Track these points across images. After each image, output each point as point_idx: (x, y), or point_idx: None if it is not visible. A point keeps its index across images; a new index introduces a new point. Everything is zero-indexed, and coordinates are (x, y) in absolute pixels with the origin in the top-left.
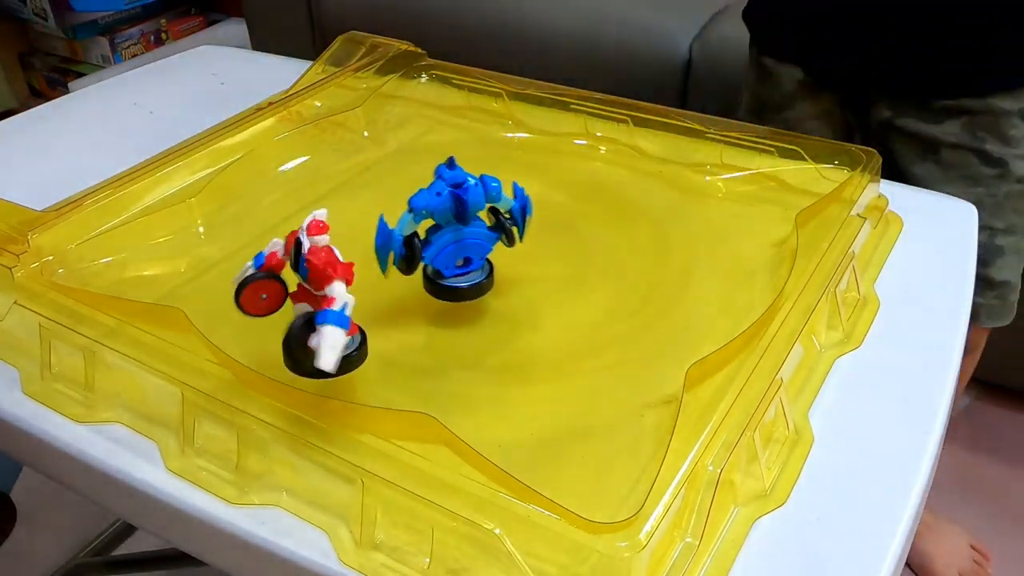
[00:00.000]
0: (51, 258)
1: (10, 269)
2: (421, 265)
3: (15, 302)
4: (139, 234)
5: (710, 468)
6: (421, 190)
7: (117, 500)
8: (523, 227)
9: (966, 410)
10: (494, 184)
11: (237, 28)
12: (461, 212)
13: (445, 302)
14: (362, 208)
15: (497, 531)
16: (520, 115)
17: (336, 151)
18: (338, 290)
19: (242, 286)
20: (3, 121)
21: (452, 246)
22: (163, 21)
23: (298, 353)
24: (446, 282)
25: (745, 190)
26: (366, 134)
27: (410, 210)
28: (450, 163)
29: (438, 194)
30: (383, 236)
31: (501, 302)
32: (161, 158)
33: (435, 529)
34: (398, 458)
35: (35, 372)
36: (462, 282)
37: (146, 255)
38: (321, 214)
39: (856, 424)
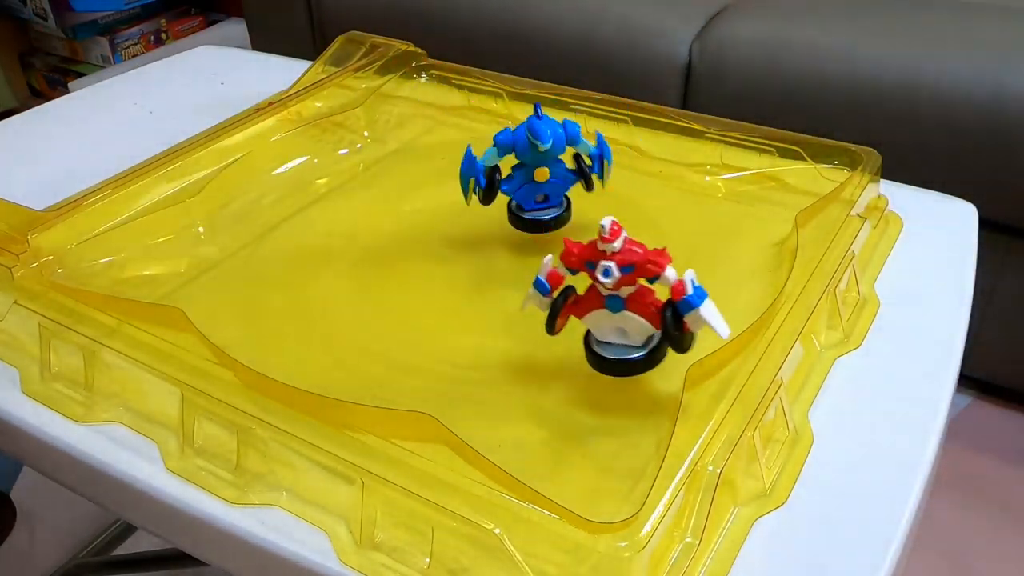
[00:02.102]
0: (51, 258)
1: (10, 269)
2: (505, 200)
3: (15, 302)
4: (139, 234)
5: (710, 468)
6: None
7: (117, 500)
8: (602, 173)
9: (966, 410)
10: (574, 126)
11: (237, 28)
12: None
13: (528, 233)
14: (362, 208)
15: (497, 531)
16: (520, 115)
17: (336, 151)
18: (673, 273)
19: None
20: (3, 121)
21: (531, 183)
22: (163, 21)
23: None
24: (527, 215)
25: (745, 190)
26: (366, 134)
27: (494, 144)
28: (536, 111)
29: (515, 131)
30: (467, 163)
31: (501, 301)
32: (161, 158)
33: (435, 529)
34: (398, 458)
35: (35, 372)
36: (543, 215)
37: (146, 255)
38: (609, 220)
39: (856, 424)
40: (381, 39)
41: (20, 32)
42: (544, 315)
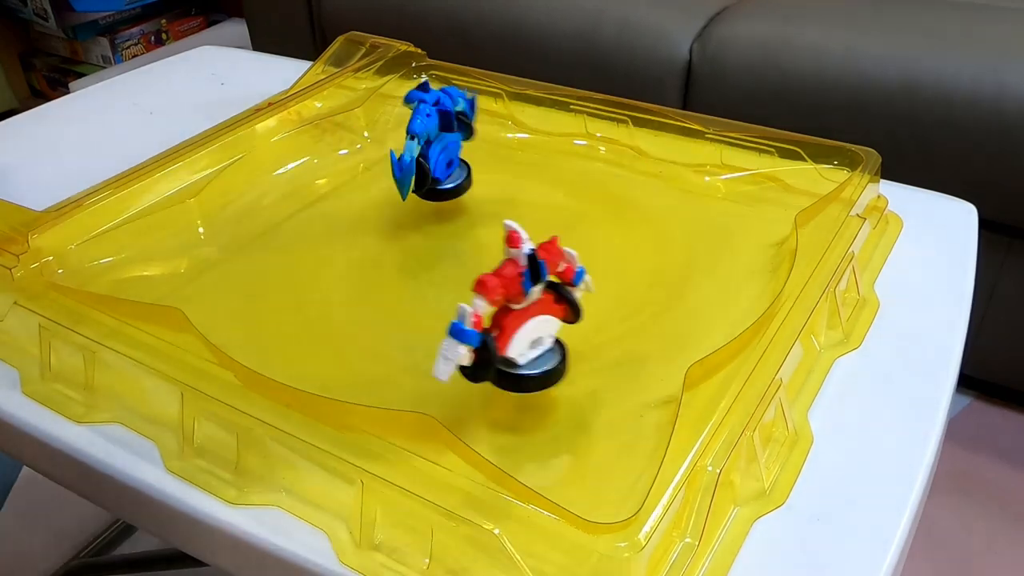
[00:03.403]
0: (51, 258)
1: (10, 269)
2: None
3: (15, 302)
4: (139, 234)
5: (710, 468)
6: (414, 116)
7: (117, 500)
8: (473, 117)
9: (966, 410)
10: (458, 93)
11: (237, 28)
12: (446, 123)
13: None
14: (362, 208)
15: (497, 531)
16: (520, 115)
17: (336, 151)
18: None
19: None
20: (3, 121)
21: (442, 154)
22: (163, 21)
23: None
24: (520, 371)
25: (745, 190)
26: (366, 134)
27: (411, 136)
28: (423, 86)
29: (428, 116)
30: (400, 167)
31: None
32: (161, 158)
33: (435, 529)
34: (398, 458)
35: (35, 372)
36: (455, 182)
37: (146, 255)
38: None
39: (856, 424)
40: (381, 39)
41: (20, 32)
42: None
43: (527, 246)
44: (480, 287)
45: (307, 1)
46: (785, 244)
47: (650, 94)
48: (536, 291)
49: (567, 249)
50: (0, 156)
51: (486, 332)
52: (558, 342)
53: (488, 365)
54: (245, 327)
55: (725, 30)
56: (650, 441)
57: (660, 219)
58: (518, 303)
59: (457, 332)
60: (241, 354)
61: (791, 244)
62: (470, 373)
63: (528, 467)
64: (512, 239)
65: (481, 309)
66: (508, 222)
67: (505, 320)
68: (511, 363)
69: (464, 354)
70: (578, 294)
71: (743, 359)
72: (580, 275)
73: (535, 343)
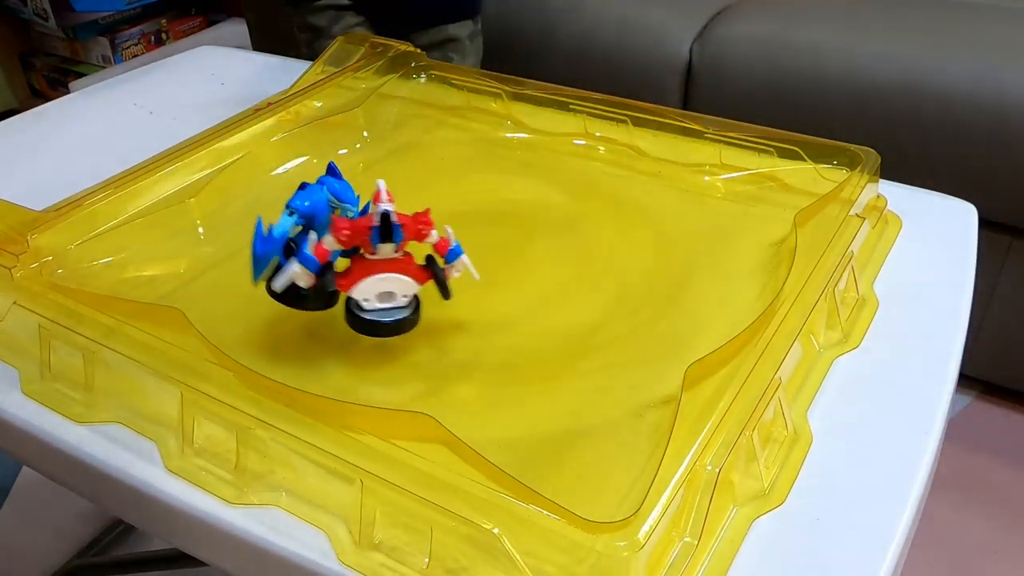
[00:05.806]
0: (50, 258)
1: (9, 269)
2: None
3: (15, 302)
4: (139, 234)
5: (709, 468)
6: (299, 191)
7: (117, 500)
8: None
9: (966, 410)
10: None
11: (237, 28)
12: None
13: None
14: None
15: (496, 531)
16: (519, 115)
17: (336, 151)
18: (435, 233)
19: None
20: (3, 121)
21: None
22: (163, 21)
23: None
24: (366, 316)
25: (744, 190)
26: (366, 134)
27: (290, 211)
28: (331, 170)
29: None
30: (261, 242)
31: (501, 302)
32: (161, 158)
33: (434, 529)
34: (397, 458)
35: (35, 372)
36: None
37: (146, 255)
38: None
39: (855, 424)
40: (380, 39)
41: (20, 32)
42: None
43: (384, 206)
44: (331, 224)
45: None
46: (784, 244)
47: (650, 94)
48: (388, 248)
49: (448, 228)
50: (0, 156)
51: (333, 269)
52: (416, 299)
53: (320, 295)
54: (245, 327)
55: (725, 30)
56: (649, 440)
57: (659, 219)
58: (370, 253)
59: (300, 256)
60: (241, 354)
61: (790, 244)
62: (311, 297)
63: (528, 467)
64: (375, 197)
65: (327, 243)
66: (379, 181)
67: (357, 265)
68: (359, 307)
69: (298, 272)
70: (456, 273)
71: (742, 359)
72: (454, 253)
73: (385, 296)
